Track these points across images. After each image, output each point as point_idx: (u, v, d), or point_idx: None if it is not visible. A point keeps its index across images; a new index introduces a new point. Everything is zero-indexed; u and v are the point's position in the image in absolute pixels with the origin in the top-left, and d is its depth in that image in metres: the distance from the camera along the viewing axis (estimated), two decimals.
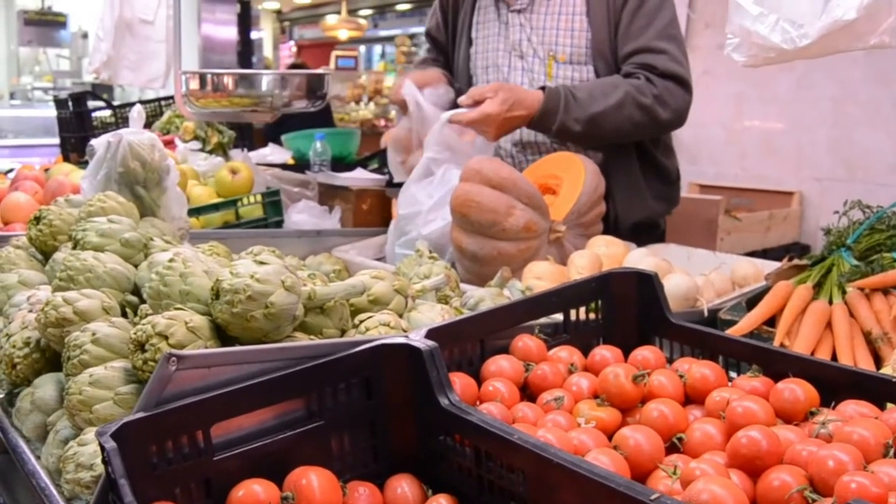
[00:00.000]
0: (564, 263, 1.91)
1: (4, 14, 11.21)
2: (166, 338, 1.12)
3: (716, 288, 1.85)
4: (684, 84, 2.29)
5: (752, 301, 1.67)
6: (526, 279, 1.81)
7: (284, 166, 3.50)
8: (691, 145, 4.74)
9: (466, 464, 1.01)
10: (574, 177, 2.12)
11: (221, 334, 1.19)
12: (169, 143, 3.05)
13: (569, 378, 1.24)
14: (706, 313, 1.68)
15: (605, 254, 1.92)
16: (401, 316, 1.37)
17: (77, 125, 3.82)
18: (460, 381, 1.17)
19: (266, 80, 2.44)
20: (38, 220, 1.73)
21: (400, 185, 2.30)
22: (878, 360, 1.46)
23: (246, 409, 1.01)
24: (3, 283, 1.60)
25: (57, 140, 4.13)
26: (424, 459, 1.08)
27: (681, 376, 1.20)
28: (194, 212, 2.45)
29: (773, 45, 1.59)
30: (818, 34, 1.53)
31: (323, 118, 6.01)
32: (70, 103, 3.88)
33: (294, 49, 16.77)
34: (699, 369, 1.20)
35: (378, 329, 1.28)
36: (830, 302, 1.56)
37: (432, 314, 1.40)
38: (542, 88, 2.26)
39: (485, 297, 1.54)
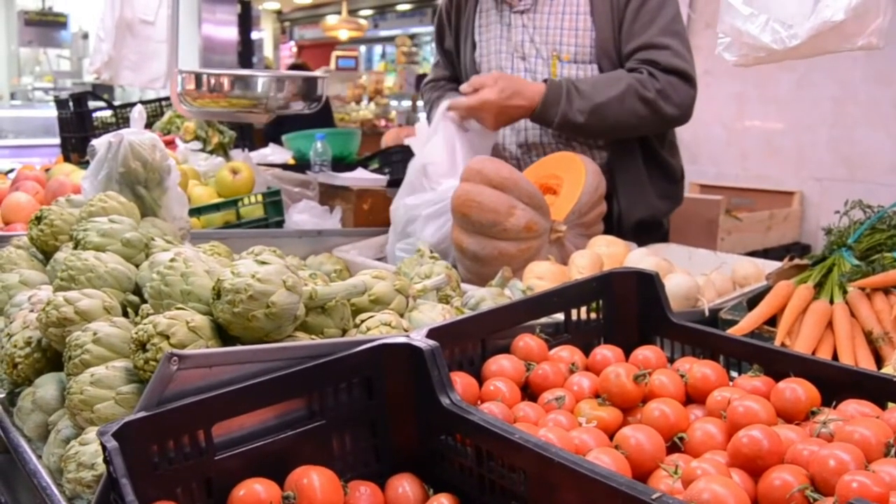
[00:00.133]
0: (565, 263, 1.91)
1: (5, 14, 11.22)
2: (167, 337, 1.12)
3: (717, 288, 1.85)
4: (688, 79, 2.29)
5: (753, 301, 1.67)
6: (527, 279, 1.81)
7: (285, 166, 3.50)
8: (692, 145, 4.74)
9: (467, 463, 1.01)
10: (575, 177, 2.12)
11: (223, 334, 1.20)
12: (170, 144, 3.05)
13: (570, 378, 1.24)
14: (707, 313, 1.68)
15: (605, 253, 1.92)
16: (402, 316, 1.37)
17: (78, 125, 3.81)
18: (461, 381, 1.17)
19: (262, 82, 2.44)
20: (39, 219, 1.73)
21: (399, 184, 2.31)
22: (879, 360, 1.46)
23: (247, 409, 1.01)
24: (5, 283, 1.60)
25: (57, 140, 4.13)
26: (425, 459, 1.08)
27: (682, 376, 1.20)
28: (195, 212, 2.45)
29: (763, 45, 1.61)
30: (807, 35, 1.54)
31: (323, 118, 6.02)
32: (71, 103, 3.88)
33: (294, 49, 16.78)
34: (700, 369, 1.20)
35: (379, 329, 1.28)
36: (831, 302, 1.56)
37: (433, 314, 1.40)
38: (545, 81, 2.27)
39: (486, 297, 1.54)
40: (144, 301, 1.34)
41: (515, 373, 1.23)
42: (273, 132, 4.61)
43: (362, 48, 16.37)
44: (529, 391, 1.25)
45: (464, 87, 2.31)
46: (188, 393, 0.98)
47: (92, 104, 3.88)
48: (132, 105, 3.37)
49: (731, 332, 1.53)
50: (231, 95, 2.43)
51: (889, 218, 1.70)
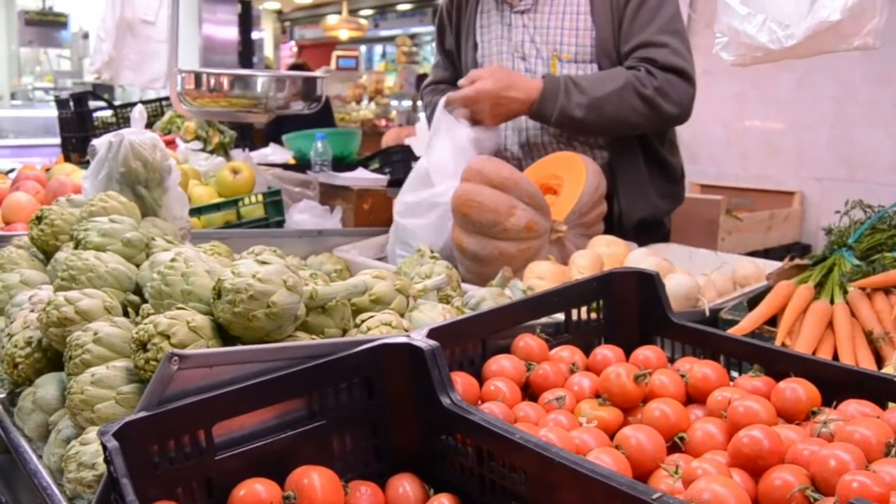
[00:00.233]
0: (566, 263, 1.91)
1: (5, 14, 11.22)
2: (168, 337, 1.12)
3: (717, 288, 1.85)
4: (686, 77, 2.29)
5: (754, 301, 1.67)
6: (527, 279, 1.81)
7: (286, 166, 3.50)
8: (692, 145, 4.74)
9: (468, 463, 1.01)
10: (575, 176, 2.12)
11: (223, 334, 1.20)
12: (170, 143, 3.05)
13: (570, 377, 1.24)
14: (707, 313, 1.68)
15: (606, 253, 1.92)
16: (402, 315, 1.37)
17: (78, 125, 3.82)
18: (462, 381, 1.17)
19: (262, 81, 2.44)
20: (39, 219, 1.73)
21: (400, 183, 2.31)
22: (880, 360, 1.46)
23: (248, 409, 1.01)
24: (5, 283, 1.60)
25: (58, 140, 4.14)
26: (426, 459, 1.08)
27: (682, 376, 1.20)
28: (196, 212, 2.46)
29: (760, 44, 1.61)
30: (804, 35, 1.54)
31: (324, 118, 6.01)
32: (71, 103, 3.88)
33: (295, 49, 16.77)
34: (701, 369, 1.20)
35: (379, 329, 1.28)
36: (832, 301, 1.57)
37: (434, 314, 1.40)
38: (543, 77, 2.27)
39: (486, 297, 1.54)
40: (145, 301, 1.34)
41: (516, 373, 1.23)
42: (273, 132, 4.61)
43: (363, 48, 16.37)
44: (530, 391, 1.25)
45: (462, 81, 2.33)
46: (189, 393, 0.98)
47: (92, 104, 3.89)
48: (132, 105, 3.38)
49: (732, 332, 1.53)
50: (231, 95, 2.43)
51: (889, 218, 1.70)
